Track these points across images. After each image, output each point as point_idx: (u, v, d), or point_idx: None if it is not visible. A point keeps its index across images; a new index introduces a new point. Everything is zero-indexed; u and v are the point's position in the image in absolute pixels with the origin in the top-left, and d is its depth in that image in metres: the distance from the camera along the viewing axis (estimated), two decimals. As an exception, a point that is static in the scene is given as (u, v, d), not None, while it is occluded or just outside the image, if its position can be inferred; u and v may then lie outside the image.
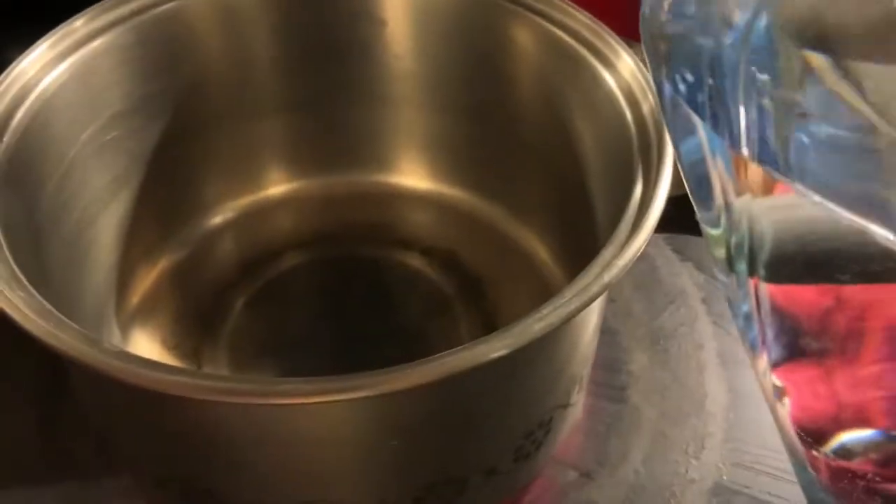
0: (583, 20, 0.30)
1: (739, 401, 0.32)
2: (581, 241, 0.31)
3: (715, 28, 0.20)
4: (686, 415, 0.32)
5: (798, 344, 0.20)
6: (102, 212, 0.32)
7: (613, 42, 0.29)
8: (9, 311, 0.23)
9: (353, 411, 0.24)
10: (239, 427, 0.24)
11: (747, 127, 0.18)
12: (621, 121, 0.28)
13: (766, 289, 0.19)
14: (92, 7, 0.30)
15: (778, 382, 0.21)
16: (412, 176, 0.37)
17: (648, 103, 0.27)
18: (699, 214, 0.21)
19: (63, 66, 0.29)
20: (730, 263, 0.20)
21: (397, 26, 0.34)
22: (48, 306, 0.23)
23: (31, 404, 0.32)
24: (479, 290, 0.35)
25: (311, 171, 0.37)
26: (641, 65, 0.28)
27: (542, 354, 0.25)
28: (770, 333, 0.20)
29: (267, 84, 0.34)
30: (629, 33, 0.26)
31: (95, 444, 0.31)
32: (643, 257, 0.36)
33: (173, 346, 0.33)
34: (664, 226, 0.37)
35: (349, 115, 0.36)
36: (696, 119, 0.18)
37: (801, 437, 0.21)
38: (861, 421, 0.20)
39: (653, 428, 0.31)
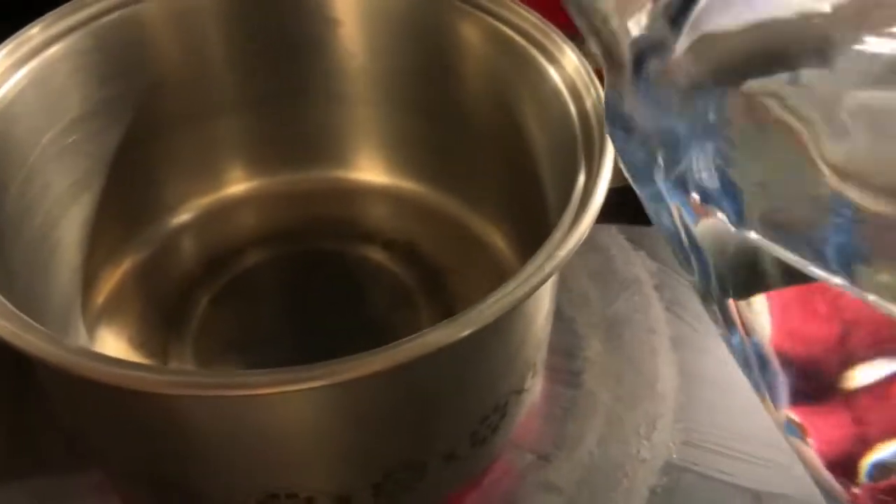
0: (530, 18, 0.31)
1: (690, 383, 0.33)
2: (535, 229, 0.32)
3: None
4: (639, 398, 0.33)
5: (817, 383, 0.19)
6: (65, 214, 0.32)
7: (559, 39, 0.30)
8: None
9: (312, 401, 0.25)
10: (201, 420, 0.25)
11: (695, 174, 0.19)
12: (566, 114, 0.29)
13: (770, 347, 0.19)
14: (48, 14, 0.31)
15: (795, 418, 0.20)
16: (370, 171, 0.38)
17: (591, 98, 0.28)
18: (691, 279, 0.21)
19: (21, 73, 0.30)
20: (709, 297, 0.20)
21: (351, 25, 0.35)
22: (11, 308, 0.24)
23: (0, 402, 0.33)
24: (440, 281, 0.36)
25: (271, 169, 0.38)
26: (585, 61, 0.29)
27: (495, 340, 0.26)
28: (784, 380, 0.20)
29: (225, 84, 0.35)
30: (575, 30, 0.27)
31: (65, 441, 0.32)
32: (598, 247, 0.38)
33: (140, 344, 0.34)
34: (617, 216, 0.39)
35: (307, 113, 0.37)
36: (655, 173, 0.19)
37: (836, 478, 0.20)
38: (889, 433, 0.19)
39: (607, 411, 0.32)
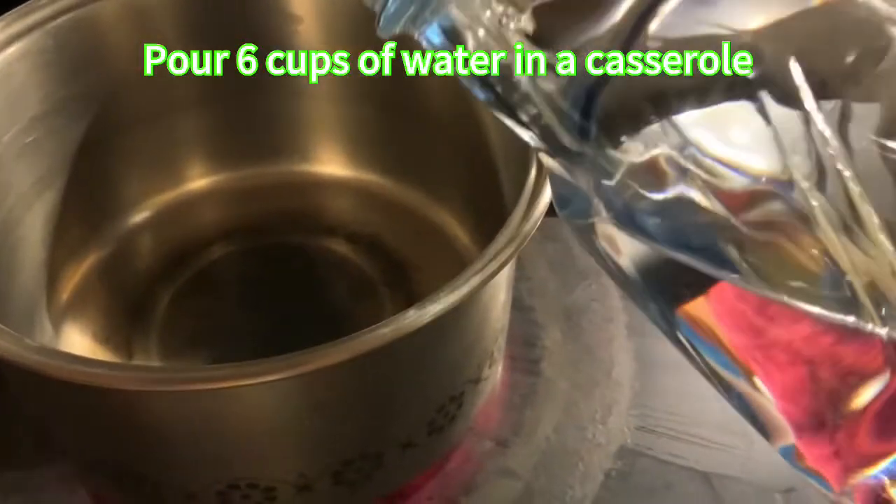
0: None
1: (645, 369, 0.34)
2: (495, 221, 0.33)
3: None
4: (595, 384, 0.34)
5: (806, 420, 0.19)
6: (27, 213, 0.33)
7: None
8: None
9: (271, 393, 0.25)
10: (162, 413, 0.25)
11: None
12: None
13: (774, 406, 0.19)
14: (6, 14, 0.31)
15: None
16: (331, 164, 0.38)
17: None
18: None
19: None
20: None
21: (310, 21, 0.35)
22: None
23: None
24: (403, 273, 0.37)
25: (231, 164, 0.38)
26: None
27: (452, 330, 0.27)
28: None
29: (183, 80, 0.35)
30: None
31: (32, 433, 0.32)
32: (557, 238, 0.38)
33: (104, 339, 0.34)
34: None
35: (267, 108, 0.37)
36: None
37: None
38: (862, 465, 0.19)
39: (565, 398, 0.33)
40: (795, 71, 0.17)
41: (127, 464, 0.28)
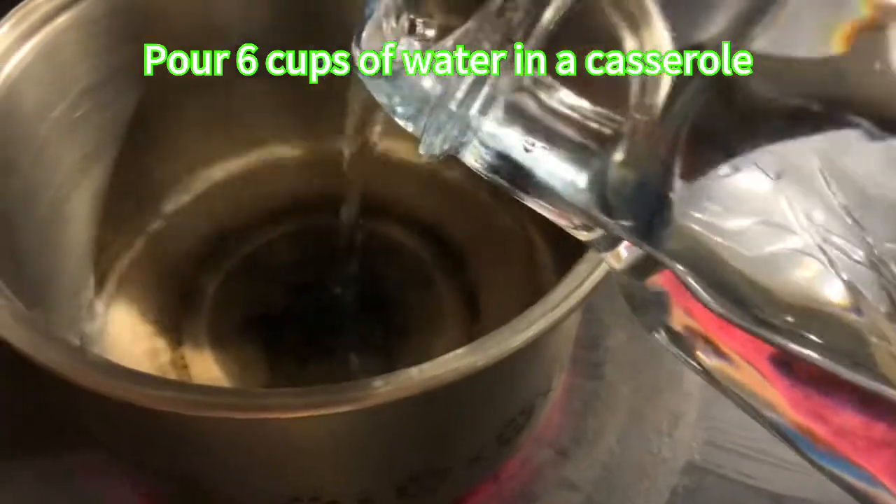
0: None
1: (714, 378, 0.33)
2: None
3: None
4: (661, 392, 0.32)
5: None
6: (76, 190, 0.31)
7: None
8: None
9: (336, 420, 0.24)
10: (224, 434, 0.24)
11: None
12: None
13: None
14: (55, -19, 0.29)
15: None
16: (393, 143, 0.36)
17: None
18: None
19: (27, 47, 0.28)
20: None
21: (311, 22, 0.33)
22: (28, 314, 0.23)
23: (7, 380, 0.32)
24: (461, 261, 0.35)
25: (290, 139, 0.36)
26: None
27: (529, 355, 0.25)
28: None
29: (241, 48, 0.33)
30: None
31: (69, 422, 0.31)
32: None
33: (153, 320, 0.33)
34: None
35: (330, 81, 0.35)
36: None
37: None
38: None
39: (628, 406, 0.32)
40: None
41: (183, 474, 0.27)
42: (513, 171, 0.18)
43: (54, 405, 0.31)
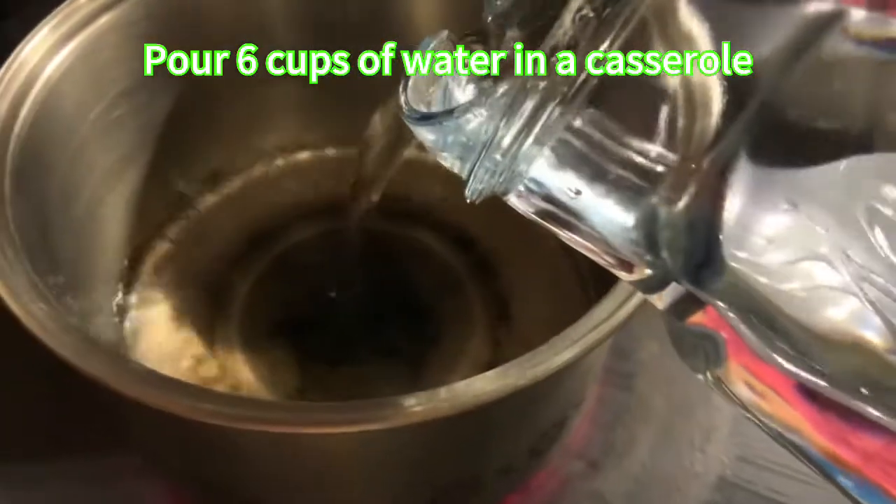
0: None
1: (746, 393, 0.32)
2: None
3: None
4: (693, 406, 0.32)
5: None
6: (111, 192, 0.31)
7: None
8: (34, 329, 0.22)
9: (369, 435, 0.24)
10: (260, 444, 0.24)
11: None
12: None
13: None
14: (97, -17, 0.29)
15: None
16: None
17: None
18: None
19: (68, 48, 0.28)
20: None
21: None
22: (70, 320, 0.23)
23: (45, 379, 0.32)
24: (492, 268, 0.35)
25: (321, 141, 0.36)
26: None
27: (567, 374, 0.25)
28: None
29: (278, 50, 0.33)
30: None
31: (109, 425, 0.31)
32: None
33: (184, 321, 0.33)
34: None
35: (363, 84, 0.35)
36: None
37: None
38: None
39: (660, 419, 0.32)
40: None
41: (216, 481, 0.27)
42: (560, 214, 0.18)
43: (90, 406, 0.31)
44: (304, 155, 0.36)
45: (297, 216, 0.36)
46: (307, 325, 0.34)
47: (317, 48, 0.33)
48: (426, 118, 0.18)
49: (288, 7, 0.33)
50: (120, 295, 0.33)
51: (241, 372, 0.32)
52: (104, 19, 0.29)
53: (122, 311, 0.32)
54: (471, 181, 0.18)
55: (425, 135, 0.18)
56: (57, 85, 0.28)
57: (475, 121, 0.17)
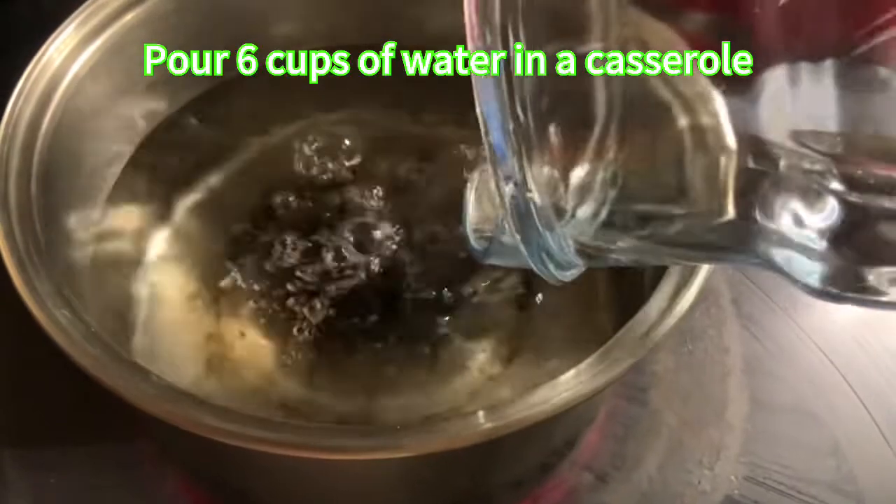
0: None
1: (760, 412, 0.32)
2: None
3: None
4: (705, 423, 0.32)
5: None
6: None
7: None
8: (57, 337, 0.23)
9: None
10: (278, 460, 0.24)
11: None
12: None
13: None
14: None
15: None
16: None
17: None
18: None
19: (94, 46, 0.28)
20: None
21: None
22: (95, 332, 0.23)
23: (65, 366, 0.32)
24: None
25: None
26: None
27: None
28: None
29: (313, 41, 0.33)
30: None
31: (124, 413, 0.31)
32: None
33: (194, 295, 0.33)
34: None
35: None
36: None
37: None
38: None
39: (671, 434, 0.32)
40: None
41: (232, 485, 0.27)
42: None
43: (109, 394, 0.31)
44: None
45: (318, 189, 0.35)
46: (328, 302, 0.33)
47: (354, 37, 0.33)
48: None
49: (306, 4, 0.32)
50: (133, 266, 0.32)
51: (253, 344, 0.32)
52: (132, 14, 0.28)
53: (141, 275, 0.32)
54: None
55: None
56: (83, 82, 0.27)
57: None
